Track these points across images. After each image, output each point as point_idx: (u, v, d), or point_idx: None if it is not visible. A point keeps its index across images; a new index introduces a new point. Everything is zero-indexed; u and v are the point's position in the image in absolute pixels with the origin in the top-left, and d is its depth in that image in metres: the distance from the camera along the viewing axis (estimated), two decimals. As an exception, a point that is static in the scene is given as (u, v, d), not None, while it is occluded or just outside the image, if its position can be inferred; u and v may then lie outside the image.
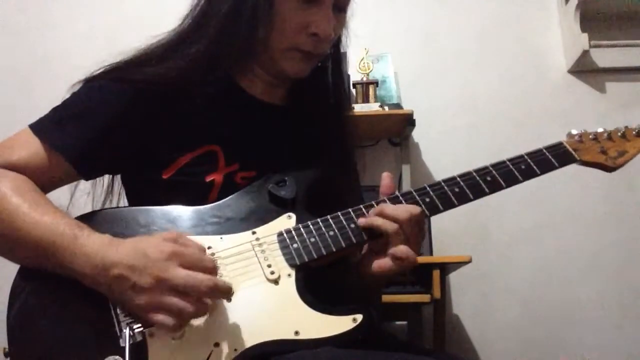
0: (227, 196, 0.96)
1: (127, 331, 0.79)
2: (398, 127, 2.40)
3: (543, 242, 2.42)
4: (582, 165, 1.04)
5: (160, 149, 0.98)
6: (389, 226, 0.89)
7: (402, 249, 0.88)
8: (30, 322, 0.83)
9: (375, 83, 2.40)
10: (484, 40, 2.60)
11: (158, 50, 1.01)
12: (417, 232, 0.91)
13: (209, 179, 0.98)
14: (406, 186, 2.38)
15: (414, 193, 0.95)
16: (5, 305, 0.85)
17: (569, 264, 2.40)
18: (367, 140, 2.48)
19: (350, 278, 0.99)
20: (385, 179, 0.97)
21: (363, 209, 0.94)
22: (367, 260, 0.94)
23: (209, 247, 0.88)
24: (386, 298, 1.83)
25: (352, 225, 0.92)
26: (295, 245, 0.90)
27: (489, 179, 0.97)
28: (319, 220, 0.93)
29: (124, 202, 1.07)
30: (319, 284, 0.90)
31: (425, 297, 1.96)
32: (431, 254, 2.19)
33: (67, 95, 0.99)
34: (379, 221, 0.90)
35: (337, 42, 1.12)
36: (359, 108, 2.29)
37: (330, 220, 0.93)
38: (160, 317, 0.77)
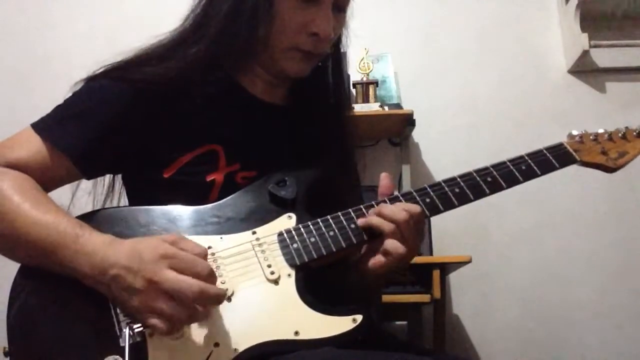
0: (227, 196, 0.96)
1: (127, 331, 0.79)
2: (398, 127, 2.40)
3: (543, 242, 2.42)
4: (583, 166, 1.04)
5: (160, 149, 0.98)
6: (386, 226, 0.89)
7: (390, 243, 0.88)
8: (30, 322, 0.83)
9: (375, 83, 2.40)
10: (483, 40, 2.60)
11: (159, 50, 1.02)
12: (415, 231, 0.91)
13: (209, 178, 0.98)
14: (406, 186, 2.38)
15: (414, 193, 0.95)
16: (5, 305, 0.85)
17: (569, 264, 2.40)
18: (367, 140, 2.48)
19: (350, 278, 0.99)
20: (384, 179, 0.97)
21: (363, 209, 0.94)
22: (365, 259, 0.94)
23: (209, 247, 0.88)
24: (386, 298, 1.83)
25: (352, 226, 0.92)
26: (295, 245, 0.90)
27: (489, 179, 0.97)
28: (319, 220, 0.93)
29: (124, 201, 1.07)
30: (319, 284, 0.90)
31: (425, 297, 1.96)
32: (431, 254, 2.19)
33: (69, 95, 1.00)
34: (376, 220, 0.90)
35: (337, 42, 1.12)
36: (359, 108, 2.29)
37: (330, 220, 0.93)
38: (153, 321, 0.77)
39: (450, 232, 2.36)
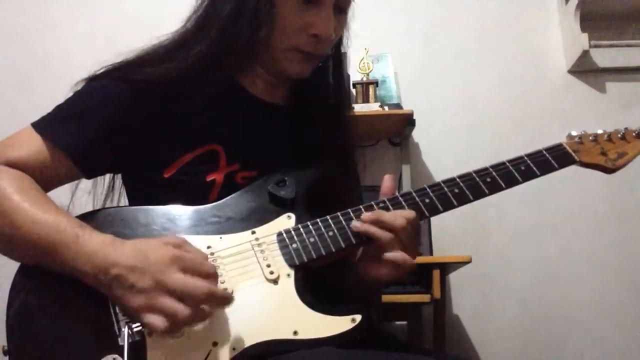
0: (227, 196, 0.96)
1: (126, 330, 0.79)
2: (398, 127, 2.40)
3: (543, 242, 2.42)
4: (582, 167, 1.04)
5: (161, 149, 0.99)
6: (385, 235, 0.89)
7: (398, 255, 0.89)
8: (29, 321, 0.83)
9: (375, 83, 2.40)
10: (483, 40, 2.60)
11: (160, 51, 1.02)
12: (413, 237, 0.91)
13: (209, 178, 0.98)
14: (406, 186, 2.38)
15: (414, 194, 0.95)
16: (5, 304, 0.85)
17: (569, 264, 2.40)
18: (367, 140, 2.48)
19: (349, 278, 0.99)
20: (387, 181, 0.98)
21: (363, 210, 0.94)
22: (362, 264, 0.94)
23: (208, 247, 0.88)
24: (386, 298, 1.83)
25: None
26: (294, 246, 0.90)
27: (488, 180, 0.97)
28: (318, 220, 0.93)
29: (124, 201, 1.08)
30: (318, 284, 0.90)
31: (425, 297, 1.96)
32: (431, 254, 2.19)
33: (69, 94, 1.00)
34: (373, 229, 0.90)
35: (338, 43, 1.12)
36: (359, 108, 2.29)
37: (329, 220, 0.93)
38: (153, 319, 0.77)
39: (450, 232, 2.36)
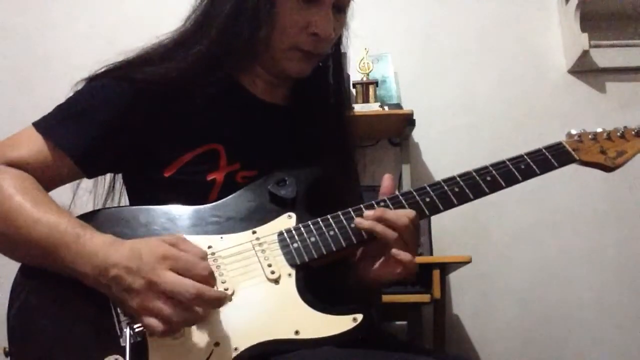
0: (227, 195, 0.96)
1: (127, 331, 0.79)
2: (398, 127, 2.40)
3: (543, 242, 2.42)
4: (582, 165, 1.04)
5: (161, 148, 0.99)
6: (390, 233, 0.89)
7: (403, 255, 0.89)
8: (30, 321, 0.83)
9: (375, 83, 2.40)
10: (483, 40, 2.60)
11: (160, 50, 1.02)
12: (414, 236, 0.91)
13: (210, 177, 0.98)
14: (406, 186, 2.38)
15: (414, 193, 0.95)
16: (5, 304, 0.85)
17: (569, 264, 2.40)
18: (367, 140, 2.48)
19: (349, 278, 0.99)
20: (386, 181, 0.98)
21: (363, 209, 0.94)
22: (362, 264, 0.94)
23: (209, 247, 0.88)
24: (386, 298, 1.83)
25: (353, 225, 0.92)
26: (295, 245, 0.90)
27: (488, 178, 0.97)
28: (319, 219, 0.93)
29: (125, 200, 1.08)
30: (319, 283, 0.90)
31: (425, 297, 1.96)
32: (431, 254, 2.19)
33: (70, 94, 1.00)
34: (379, 227, 0.90)
35: (338, 42, 1.12)
36: (359, 108, 2.29)
37: (330, 219, 0.93)
38: (150, 322, 0.77)
39: (450, 232, 2.36)
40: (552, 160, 1.00)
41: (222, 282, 0.85)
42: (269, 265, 0.88)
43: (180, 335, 0.80)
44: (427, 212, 0.94)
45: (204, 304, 0.78)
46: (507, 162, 0.99)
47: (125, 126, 0.97)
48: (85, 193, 1.05)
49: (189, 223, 0.92)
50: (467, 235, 2.41)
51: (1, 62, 2.62)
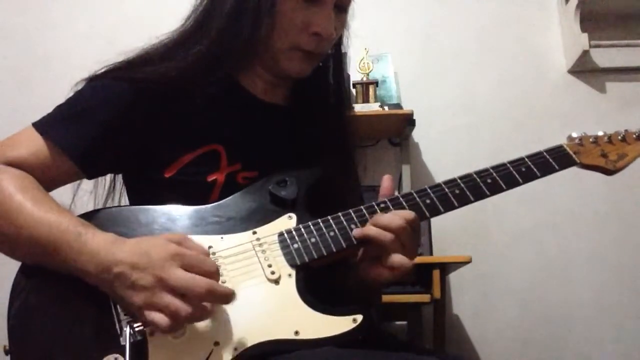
0: (228, 196, 0.96)
1: (127, 330, 0.79)
2: (398, 127, 2.40)
3: (543, 242, 2.42)
4: (582, 168, 1.04)
5: (161, 149, 0.99)
6: (385, 236, 0.89)
7: (396, 259, 0.88)
8: (30, 320, 0.83)
9: (375, 83, 2.40)
10: (483, 40, 2.60)
11: (160, 50, 1.02)
12: (412, 237, 0.91)
13: (210, 178, 0.98)
14: (406, 186, 2.38)
15: (415, 194, 0.95)
16: (5, 303, 0.85)
17: (569, 264, 2.40)
18: (367, 140, 2.48)
19: (350, 278, 0.99)
20: (386, 182, 0.97)
21: (363, 210, 0.94)
22: (363, 264, 0.94)
23: (209, 247, 0.88)
24: (386, 298, 1.83)
25: (353, 226, 0.92)
26: (295, 246, 0.90)
27: (489, 181, 0.97)
28: (319, 220, 0.93)
29: (125, 201, 1.08)
30: (319, 284, 0.90)
31: (425, 297, 1.96)
32: (431, 254, 2.20)
33: (70, 94, 1.00)
34: (374, 231, 0.89)
35: (338, 42, 1.12)
36: (359, 108, 2.29)
37: (330, 220, 0.93)
38: (155, 316, 0.77)
39: (450, 232, 2.36)
40: (553, 163, 1.00)
41: (223, 282, 0.85)
42: (269, 266, 0.88)
43: (180, 334, 0.80)
44: (427, 213, 0.94)
45: (215, 300, 0.79)
46: (508, 165, 0.99)
47: (125, 126, 0.97)
48: (86, 193, 1.05)
49: (189, 223, 0.92)
50: (467, 235, 2.41)
51: (1, 62, 2.62)
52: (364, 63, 2.40)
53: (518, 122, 2.50)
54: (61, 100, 1.00)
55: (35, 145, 0.94)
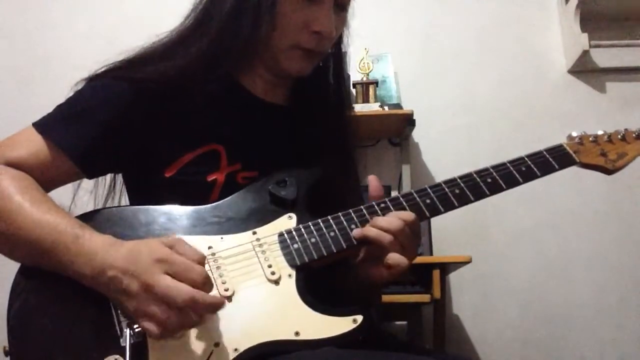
0: (228, 196, 0.96)
1: (127, 331, 0.78)
2: (398, 127, 2.40)
3: (543, 242, 2.42)
4: (582, 168, 1.04)
5: (161, 148, 0.98)
6: (383, 237, 0.89)
7: (392, 257, 0.88)
8: (30, 321, 0.83)
9: (375, 83, 2.40)
10: (483, 41, 2.60)
11: (160, 49, 1.02)
12: (411, 238, 0.91)
13: (210, 178, 0.98)
14: (406, 186, 2.38)
15: (415, 194, 0.95)
16: (5, 304, 0.84)
17: (569, 264, 2.40)
18: (367, 140, 2.48)
19: (350, 279, 0.99)
20: (373, 181, 0.97)
21: (363, 210, 0.94)
22: (363, 265, 0.94)
23: (209, 247, 0.88)
24: (386, 298, 1.84)
25: (353, 226, 0.92)
26: (295, 246, 0.90)
27: (489, 180, 0.97)
28: (319, 220, 0.93)
29: (125, 200, 1.08)
30: (319, 284, 0.90)
31: (425, 297, 1.96)
32: (431, 254, 2.20)
33: (70, 94, 1.00)
34: (373, 232, 0.90)
35: (338, 41, 1.12)
36: (359, 108, 2.29)
37: (330, 220, 0.93)
38: (146, 325, 0.77)
39: (450, 232, 2.36)
40: (553, 163, 1.00)
41: (223, 283, 0.85)
42: (269, 266, 0.88)
43: (180, 335, 0.80)
44: (427, 213, 0.94)
45: (198, 309, 0.77)
46: (508, 164, 0.99)
47: (125, 126, 0.97)
48: (86, 193, 1.05)
49: (189, 223, 0.92)
50: (467, 235, 2.41)
51: (1, 62, 2.62)
52: (364, 63, 2.40)
53: (518, 122, 2.50)
54: (61, 100, 1.00)
55: (35, 146, 0.94)
